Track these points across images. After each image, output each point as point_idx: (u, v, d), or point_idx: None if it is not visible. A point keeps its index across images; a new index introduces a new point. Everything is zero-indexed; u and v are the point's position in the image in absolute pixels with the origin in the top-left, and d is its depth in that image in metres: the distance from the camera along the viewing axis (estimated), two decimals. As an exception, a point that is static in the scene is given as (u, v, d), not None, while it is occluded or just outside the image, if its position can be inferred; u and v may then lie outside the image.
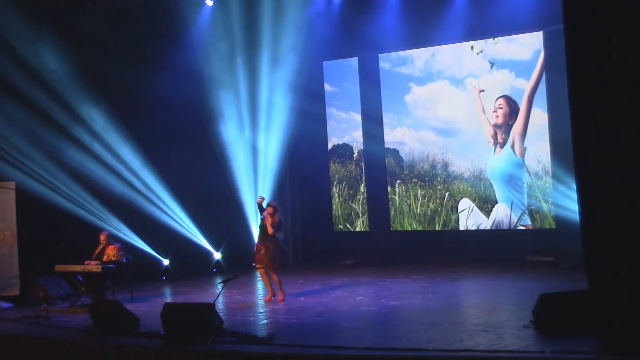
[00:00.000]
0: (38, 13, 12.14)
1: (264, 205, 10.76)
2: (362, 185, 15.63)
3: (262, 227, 10.57)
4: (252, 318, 9.49)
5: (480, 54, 14.02)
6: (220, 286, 9.26)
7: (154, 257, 13.63)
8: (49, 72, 12.41)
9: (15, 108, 12.10)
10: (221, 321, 8.35)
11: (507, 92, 13.74)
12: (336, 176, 15.87)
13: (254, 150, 14.97)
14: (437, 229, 14.54)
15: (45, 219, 12.35)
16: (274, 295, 10.58)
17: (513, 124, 13.68)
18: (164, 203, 13.81)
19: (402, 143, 15.19)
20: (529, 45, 13.50)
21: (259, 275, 11.02)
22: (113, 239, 11.58)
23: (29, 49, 12.22)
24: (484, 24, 13.29)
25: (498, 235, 13.67)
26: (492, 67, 13.88)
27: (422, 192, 14.87)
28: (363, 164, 15.60)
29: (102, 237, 11.32)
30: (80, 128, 12.89)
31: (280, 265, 10.75)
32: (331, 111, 15.82)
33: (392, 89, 15.09)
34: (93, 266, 10.77)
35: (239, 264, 14.70)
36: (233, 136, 14.78)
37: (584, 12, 6.89)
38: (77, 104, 12.79)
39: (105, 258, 11.07)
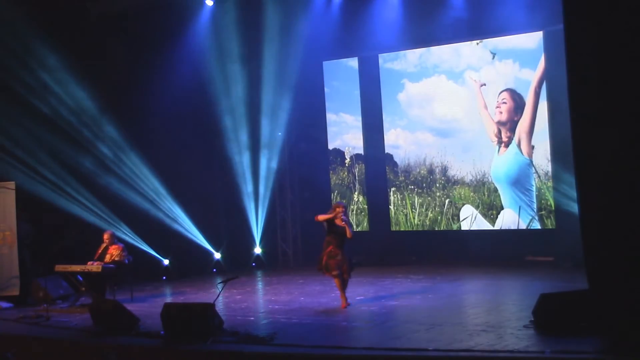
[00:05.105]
0: (38, 20, 12.17)
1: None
2: (356, 193, 14.96)
3: (337, 230, 9.61)
4: (252, 318, 9.49)
5: (480, 44, 13.35)
6: (220, 286, 9.25)
7: (154, 257, 13.63)
8: (51, 77, 12.48)
9: (20, 112, 12.18)
10: (221, 321, 8.37)
11: (511, 85, 13.06)
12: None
13: (254, 150, 14.94)
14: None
15: (46, 219, 12.37)
16: (346, 300, 9.73)
17: (519, 120, 12.95)
18: (164, 203, 13.80)
19: (397, 146, 14.42)
20: (533, 33, 12.79)
21: (333, 282, 9.84)
22: (116, 238, 11.60)
23: (30, 53, 12.27)
24: (484, 23, 13.08)
25: (498, 235, 13.40)
26: (493, 58, 13.17)
27: (420, 200, 14.12)
28: (356, 170, 14.93)
29: (105, 236, 11.35)
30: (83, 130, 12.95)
31: (352, 268, 9.88)
32: (321, 113, 15.29)
33: (384, 87, 14.44)
34: (93, 266, 10.81)
35: (238, 264, 14.74)
36: (233, 136, 14.76)
37: (584, 12, 6.89)
38: (79, 106, 12.84)
39: (108, 258, 11.09)
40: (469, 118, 13.69)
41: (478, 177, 13.55)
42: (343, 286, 9.69)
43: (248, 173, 14.95)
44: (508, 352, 6.72)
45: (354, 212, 14.92)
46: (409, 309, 9.50)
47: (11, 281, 11.68)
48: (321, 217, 9.68)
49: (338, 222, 9.61)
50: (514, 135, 13.12)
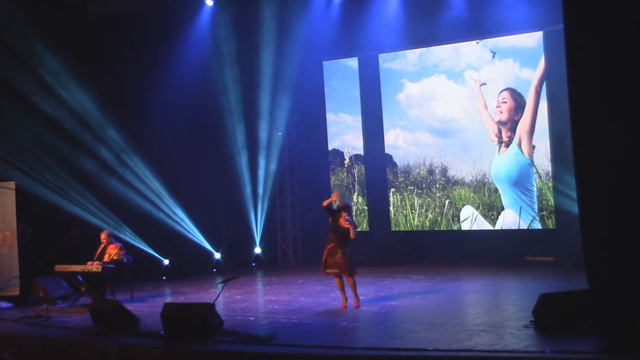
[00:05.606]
0: (38, 21, 12.17)
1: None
2: (356, 194, 14.89)
3: (339, 229, 9.55)
4: (252, 318, 9.49)
5: (480, 43, 13.26)
6: (220, 286, 9.25)
7: (154, 257, 13.63)
8: (51, 77, 12.50)
9: (20, 110, 12.19)
10: (221, 321, 8.37)
11: (511, 85, 13.00)
12: (324, 187, 14.92)
13: (254, 150, 14.94)
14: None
15: (46, 219, 12.37)
16: (346, 301, 9.70)
17: (519, 119, 12.87)
18: (165, 203, 13.80)
19: (396, 147, 14.32)
20: (534, 32, 12.72)
21: (335, 281, 9.83)
22: (114, 238, 11.63)
23: (31, 54, 12.29)
24: (484, 23, 13.08)
25: (498, 235, 13.37)
26: (493, 57, 13.09)
27: (420, 201, 14.02)
28: (356, 171, 14.86)
29: (102, 236, 11.37)
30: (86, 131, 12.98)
31: (355, 268, 9.78)
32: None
33: (383, 87, 14.38)
34: (93, 266, 10.82)
35: (238, 264, 14.73)
36: (233, 137, 14.76)
37: (584, 12, 6.89)
38: (78, 106, 12.86)
39: (106, 257, 11.11)
40: (469, 118, 13.62)
41: (478, 177, 13.46)
42: (353, 286, 9.63)
43: (248, 173, 14.94)
44: (508, 352, 6.72)
45: (354, 213, 14.85)
46: (409, 309, 9.50)
47: (11, 281, 11.69)
48: (325, 202, 9.66)
49: (342, 222, 9.59)
50: (514, 135, 13.04)
